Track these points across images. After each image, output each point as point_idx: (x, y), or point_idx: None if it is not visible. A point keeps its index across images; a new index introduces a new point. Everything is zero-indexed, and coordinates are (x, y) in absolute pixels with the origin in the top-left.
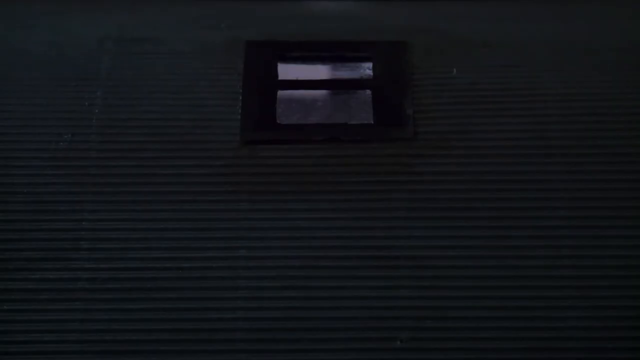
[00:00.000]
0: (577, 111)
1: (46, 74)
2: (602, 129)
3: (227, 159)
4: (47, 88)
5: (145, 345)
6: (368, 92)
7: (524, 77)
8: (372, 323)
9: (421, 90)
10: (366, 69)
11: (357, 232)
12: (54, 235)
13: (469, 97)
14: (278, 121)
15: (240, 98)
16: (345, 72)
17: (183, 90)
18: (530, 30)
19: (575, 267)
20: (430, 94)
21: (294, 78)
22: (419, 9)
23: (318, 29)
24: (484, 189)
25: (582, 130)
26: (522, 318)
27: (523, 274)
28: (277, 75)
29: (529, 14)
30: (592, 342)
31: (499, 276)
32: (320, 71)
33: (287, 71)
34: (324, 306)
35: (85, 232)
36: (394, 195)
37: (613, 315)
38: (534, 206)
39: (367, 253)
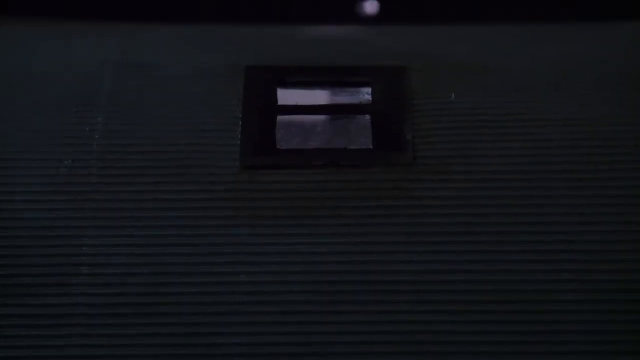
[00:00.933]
0: (579, 136)
1: (47, 99)
2: (604, 153)
3: (228, 184)
4: (48, 114)
5: None
6: (367, 117)
7: (524, 101)
8: (372, 348)
9: (421, 115)
10: (365, 94)
11: (357, 257)
12: (55, 261)
13: (468, 122)
14: (278, 146)
15: (240, 123)
16: (344, 97)
17: (183, 116)
18: (529, 54)
19: (576, 292)
20: (430, 119)
21: (294, 103)
22: (417, 34)
23: (318, 54)
24: (484, 214)
25: (584, 155)
26: (522, 343)
27: (523, 299)
28: (276, 101)
29: (528, 38)
30: None
31: (500, 301)
32: (319, 96)
33: (286, 96)
34: (325, 331)
35: (85, 257)
36: (393, 220)
37: (614, 340)
38: (535, 231)
39: (367, 278)
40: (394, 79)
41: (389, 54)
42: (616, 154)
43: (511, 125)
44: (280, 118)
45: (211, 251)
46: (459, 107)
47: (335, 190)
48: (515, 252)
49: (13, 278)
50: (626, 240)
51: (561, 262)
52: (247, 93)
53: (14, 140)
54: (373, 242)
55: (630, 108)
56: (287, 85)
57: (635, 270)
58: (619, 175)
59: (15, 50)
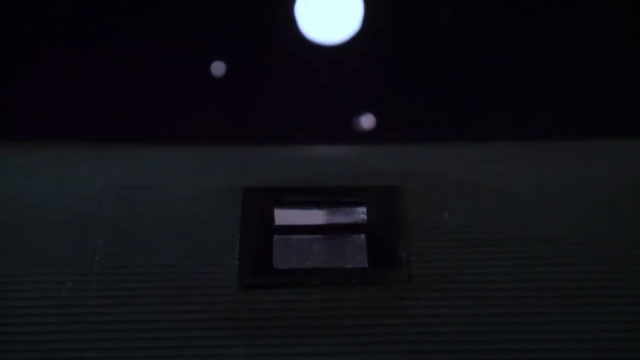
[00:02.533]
0: (569, 253)
1: (48, 222)
2: (594, 271)
3: (226, 304)
4: (50, 236)
5: None
6: (362, 236)
7: (515, 220)
8: None
9: (414, 233)
10: (360, 214)
11: None
12: None
13: (461, 240)
14: (275, 266)
15: (238, 243)
16: (340, 217)
17: (182, 237)
18: (519, 173)
19: None
20: (424, 237)
21: (290, 223)
22: (410, 153)
23: (313, 175)
24: (478, 331)
25: (574, 273)
26: None
27: None
28: (273, 221)
29: (519, 157)
30: None
31: None
32: (316, 216)
33: (283, 216)
34: None
35: None
36: (389, 338)
37: None
38: (527, 348)
39: None
40: (388, 198)
41: (383, 174)
42: (605, 272)
43: (503, 244)
44: (277, 237)
45: None
46: (452, 226)
47: (332, 309)
48: None
49: None
50: (618, 358)
51: None
52: (245, 213)
53: (15, 263)
54: None
55: (619, 226)
56: (283, 205)
57: None
58: (609, 292)
59: (17, 174)
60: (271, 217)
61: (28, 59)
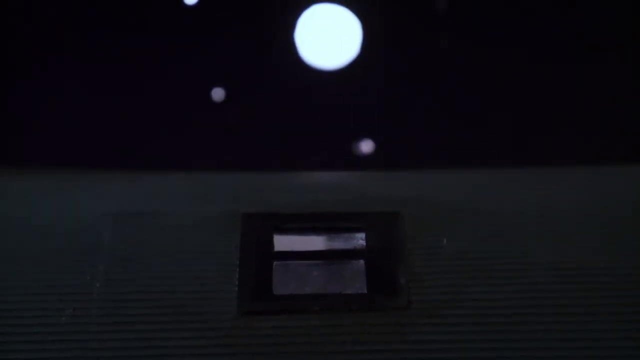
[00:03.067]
0: (568, 279)
1: (48, 249)
2: (594, 296)
3: (225, 330)
4: (49, 263)
5: None
6: (362, 262)
7: (513, 245)
8: None
9: (414, 259)
10: (359, 240)
11: None
12: None
13: (460, 266)
14: (274, 292)
15: (237, 270)
16: (339, 243)
17: (181, 263)
18: (519, 198)
19: None
20: (423, 263)
21: (290, 249)
22: (409, 180)
23: (312, 201)
24: (477, 356)
25: (573, 298)
26: None
27: None
28: (273, 247)
29: (517, 182)
30: None
31: None
32: (315, 242)
33: (283, 242)
34: None
35: None
36: None
37: None
38: None
39: None
40: (387, 224)
41: (382, 200)
42: (606, 297)
43: (502, 269)
44: (276, 263)
45: None
46: (451, 252)
47: (331, 335)
48: None
49: None
50: None
51: None
52: (244, 240)
53: (15, 290)
54: None
55: (619, 251)
56: (283, 231)
57: None
58: (609, 318)
59: (18, 201)
60: (270, 243)
61: (25, 83)
